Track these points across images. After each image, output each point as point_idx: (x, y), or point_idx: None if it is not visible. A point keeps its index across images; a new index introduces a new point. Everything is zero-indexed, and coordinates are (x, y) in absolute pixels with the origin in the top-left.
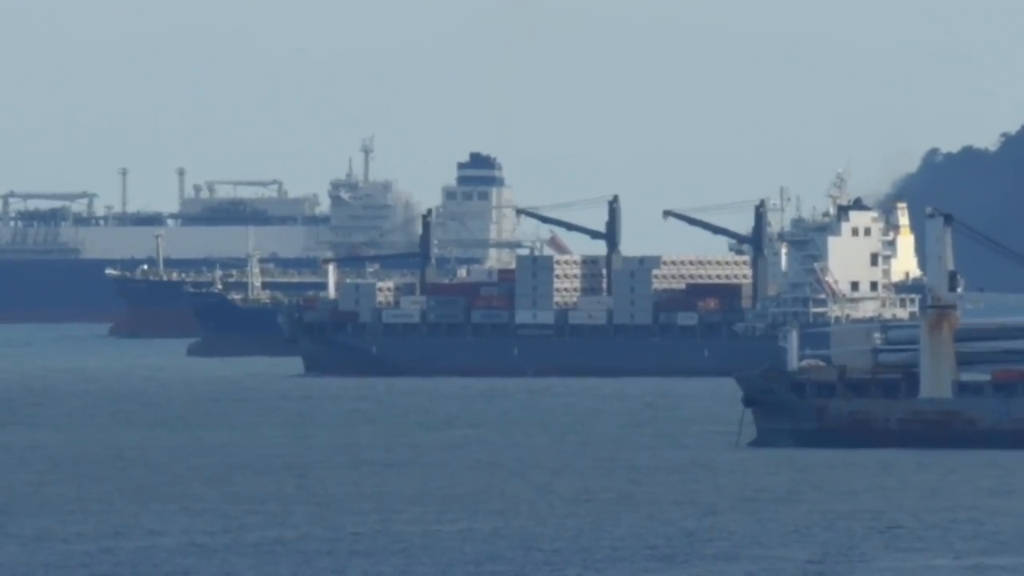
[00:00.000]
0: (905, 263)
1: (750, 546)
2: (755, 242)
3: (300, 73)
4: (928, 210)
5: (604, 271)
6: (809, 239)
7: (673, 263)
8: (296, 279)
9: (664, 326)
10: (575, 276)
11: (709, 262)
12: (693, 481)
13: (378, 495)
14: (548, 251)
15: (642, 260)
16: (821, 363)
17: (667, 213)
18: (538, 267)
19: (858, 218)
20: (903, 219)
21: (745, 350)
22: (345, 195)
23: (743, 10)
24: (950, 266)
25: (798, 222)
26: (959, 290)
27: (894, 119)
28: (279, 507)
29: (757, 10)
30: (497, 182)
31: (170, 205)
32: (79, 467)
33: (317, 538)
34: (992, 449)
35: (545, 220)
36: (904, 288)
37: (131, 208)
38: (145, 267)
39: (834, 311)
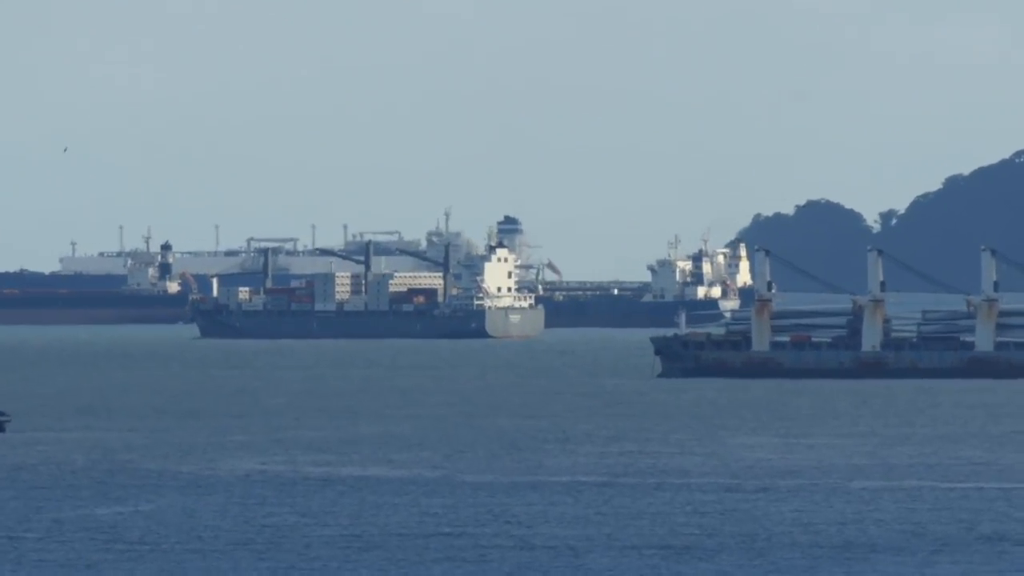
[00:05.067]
0: (744, 276)
1: (659, 431)
2: (444, 266)
3: (409, 171)
4: (756, 247)
5: (363, 281)
6: (474, 264)
7: (401, 276)
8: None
9: (395, 311)
10: (348, 284)
11: (421, 276)
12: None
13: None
14: (547, 271)
15: (384, 275)
16: (697, 330)
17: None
18: (327, 280)
19: (500, 252)
20: (743, 252)
21: (441, 325)
22: (435, 239)
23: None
24: (768, 278)
25: (468, 254)
26: (773, 291)
27: (728, 194)
28: None
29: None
30: (519, 231)
31: (339, 244)
32: None
33: None
34: (790, 379)
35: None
36: (744, 292)
37: (318, 246)
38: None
39: (487, 303)
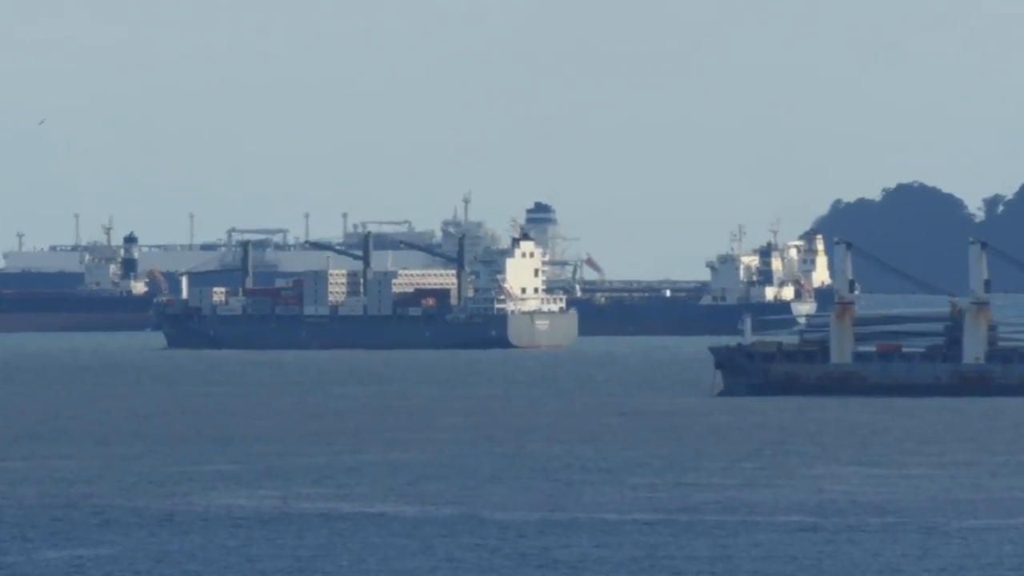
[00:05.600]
0: (821, 274)
1: (720, 459)
2: (459, 262)
3: (420, 151)
4: (836, 239)
5: (362, 280)
6: (494, 259)
7: (406, 275)
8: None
9: (400, 316)
10: (343, 283)
11: (430, 274)
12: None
13: None
14: (587, 268)
15: (386, 273)
16: (766, 339)
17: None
18: (318, 278)
19: (525, 246)
20: (820, 245)
21: (454, 332)
22: (452, 230)
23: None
24: (850, 276)
25: (487, 248)
26: (856, 292)
27: (802, 176)
28: None
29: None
30: (552, 221)
31: (337, 237)
32: None
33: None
34: (877, 397)
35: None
36: (821, 293)
37: (311, 238)
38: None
39: (509, 306)
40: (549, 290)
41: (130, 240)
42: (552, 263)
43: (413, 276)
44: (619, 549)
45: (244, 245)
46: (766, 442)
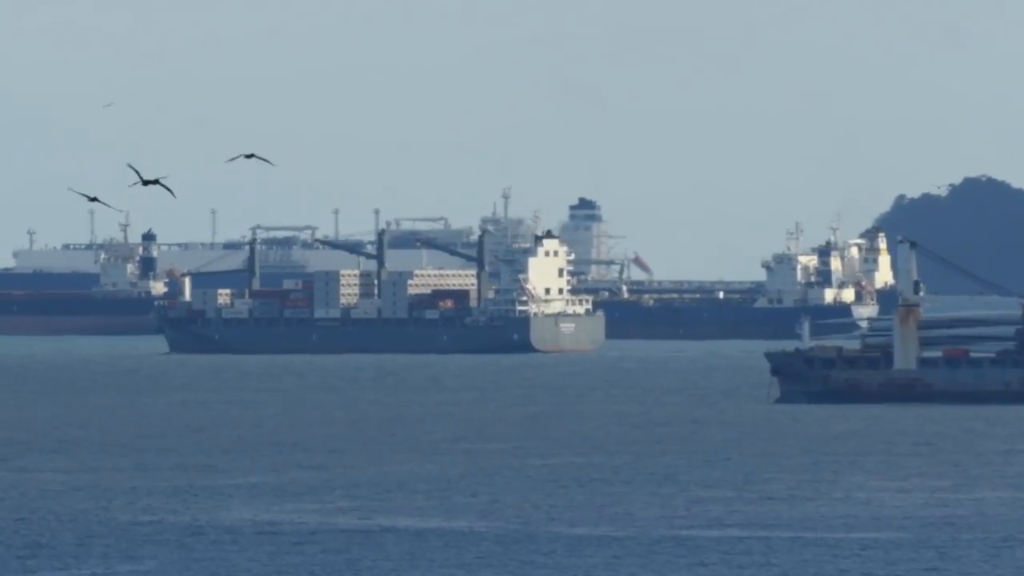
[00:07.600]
0: (884, 275)
1: (778, 461)
2: (479, 261)
3: (457, 143)
4: (899, 238)
5: (376, 281)
6: (516, 259)
7: (422, 275)
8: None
9: (416, 319)
10: (355, 284)
11: (448, 274)
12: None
13: None
14: (634, 268)
15: (401, 273)
16: (825, 343)
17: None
18: (329, 279)
19: (549, 244)
20: (882, 244)
21: (474, 336)
22: (491, 228)
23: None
24: (914, 276)
25: (508, 248)
26: (921, 294)
27: (863, 170)
28: None
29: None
30: (597, 218)
31: (368, 235)
32: None
33: None
34: (943, 405)
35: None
36: (884, 295)
37: (341, 236)
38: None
39: (532, 308)
40: (574, 291)
41: (148, 238)
42: (597, 262)
43: (430, 277)
44: (668, 566)
45: (251, 244)
46: (825, 452)
